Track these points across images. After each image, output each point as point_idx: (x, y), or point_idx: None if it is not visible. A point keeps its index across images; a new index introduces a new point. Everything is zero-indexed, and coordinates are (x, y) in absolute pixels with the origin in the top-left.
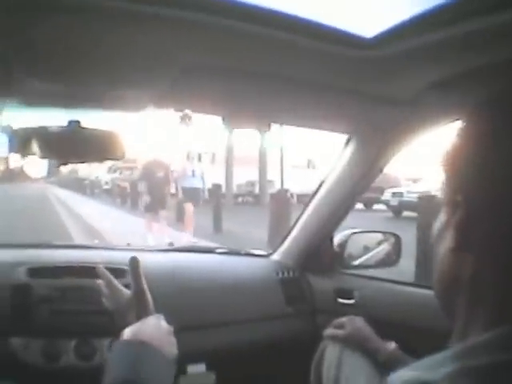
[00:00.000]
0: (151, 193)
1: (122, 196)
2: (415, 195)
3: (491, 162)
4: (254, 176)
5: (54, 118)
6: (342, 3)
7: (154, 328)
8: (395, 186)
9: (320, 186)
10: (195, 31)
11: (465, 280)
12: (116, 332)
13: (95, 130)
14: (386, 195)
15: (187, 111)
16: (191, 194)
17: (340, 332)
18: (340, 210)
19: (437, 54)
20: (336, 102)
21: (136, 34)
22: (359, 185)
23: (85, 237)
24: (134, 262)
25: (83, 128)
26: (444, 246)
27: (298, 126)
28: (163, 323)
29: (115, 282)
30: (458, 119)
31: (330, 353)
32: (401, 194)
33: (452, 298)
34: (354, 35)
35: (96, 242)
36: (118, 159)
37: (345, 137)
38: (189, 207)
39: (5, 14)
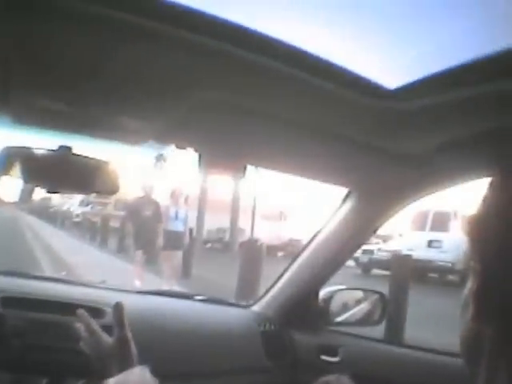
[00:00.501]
0: (138, 234)
1: (92, 231)
2: (386, 253)
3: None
4: (225, 223)
5: (46, 140)
6: (367, 52)
7: (139, 380)
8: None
9: (312, 239)
10: (212, 64)
11: (484, 347)
12: (91, 374)
13: (88, 158)
14: (356, 252)
15: (162, 152)
16: (174, 239)
17: None
18: (330, 266)
19: (455, 114)
20: (342, 152)
21: (147, 60)
22: (353, 242)
23: (54, 268)
24: (118, 307)
25: (75, 155)
26: (467, 313)
27: (294, 174)
28: (148, 376)
29: (95, 325)
30: (467, 182)
31: None
32: (371, 252)
33: (475, 361)
34: (377, 84)
35: (63, 273)
36: (110, 194)
37: (319, 190)
38: (171, 253)
39: (6, 25)
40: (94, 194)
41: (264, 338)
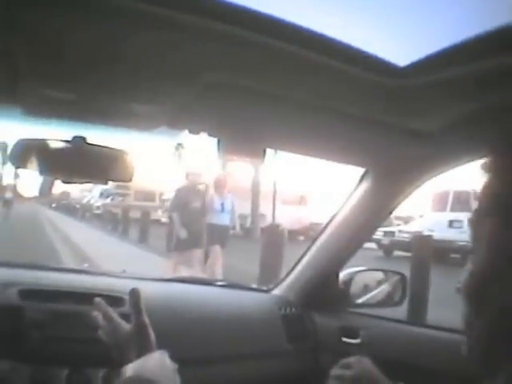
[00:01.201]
0: (186, 227)
1: (113, 222)
2: (407, 235)
3: None
4: (246, 209)
5: (59, 131)
6: (375, 29)
7: (158, 365)
8: (386, 225)
9: (330, 221)
10: (222, 46)
11: None
12: (112, 363)
13: (102, 147)
14: (378, 234)
15: (181, 142)
16: (219, 234)
17: (347, 373)
18: (349, 247)
19: (468, 88)
20: (357, 132)
21: (159, 43)
22: (371, 223)
23: (75, 260)
24: (135, 293)
25: (89, 144)
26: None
27: (312, 156)
28: (167, 360)
29: (113, 313)
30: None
31: None
32: (392, 234)
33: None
34: (385, 61)
35: (86, 265)
36: (125, 181)
37: (339, 174)
38: (216, 250)
39: (13, 17)
40: (114, 186)
41: (285, 322)
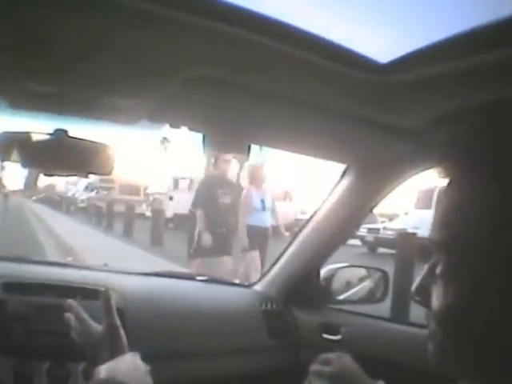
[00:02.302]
0: (212, 228)
1: (98, 216)
2: (392, 232)
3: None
4: None
5: (42, 124)
6: (356, 25)
7: (130, 367)
8: (371, 222)
9: (311, 217)
10: (205, 41)
11: None
12: (90, 359)
13: (83, 140)
14: (362, 231)
15: (166, 136)
16: (259, 238)
17: (327, 369)
18: (331, 243)
19: (449, 86)
20: (338, 128)
21: (142, 38)
22: (353, 219)
23: (59, 253)
24: (106, 295)
25: (71, 138)
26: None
27: (293, 151)
28: (139, 362)
29: (85, 315)
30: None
31: None
32: (377, 231)
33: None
34: (366, 58)
35: (69, 259)
36: (105, 174)
37: (325, 169)
38: (254, 257)
39: (1, 10)
40: (98, 179)
41: (266, 317)
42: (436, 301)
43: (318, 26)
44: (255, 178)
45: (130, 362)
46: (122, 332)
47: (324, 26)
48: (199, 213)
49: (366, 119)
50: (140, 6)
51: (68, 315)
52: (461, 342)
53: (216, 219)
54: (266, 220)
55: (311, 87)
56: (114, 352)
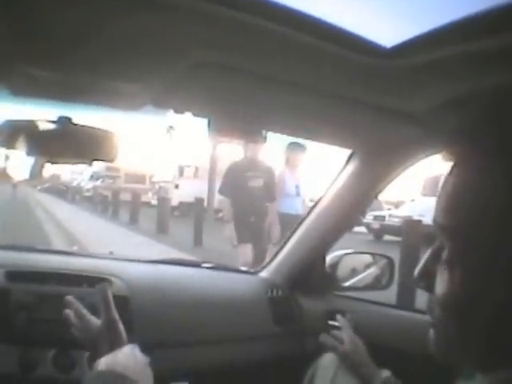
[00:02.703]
0: (241, 215)
1: (103, 204)
2: (397, 219)
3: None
4: None
5: (45, 111)
6: (361, 9)
7: (129, 359)
8: (377, 209)
9: (316, 203)
10: (210, 25)
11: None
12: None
13: (87, 127)
14: (368, 218)
15: (172, 124)
16: (289, 225)
17: (340, 346)
18: (336, 229)
19: (456, 70)
20: (343, 113)
21: (145, 22)
22: (358, 205)
23: (65, 242)
24: (103, 290)
25: (75, 125)
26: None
27: (299, 136)
28: (138, 354)
29: (84, 310)
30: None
31: (322, 375)
32: (383, 218)
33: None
34: (372, 42)
35: (75, 248)
36: (109, 161)
37: (331, 155)
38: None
39: None
40: (104, 168)
41: (271, 304)
42: (440, 287)
43: (324, 10)
44: (290, 162)
45: (129, 354)
46: (120, 325)
47: (329, 11)
48: (225, 200)
49: (372, 104)
50: None
51: (67, 311)
52: (465, 330)
53: (244, 205)
54: (298, 207)
55: (316, 72)
56: (114, 345)
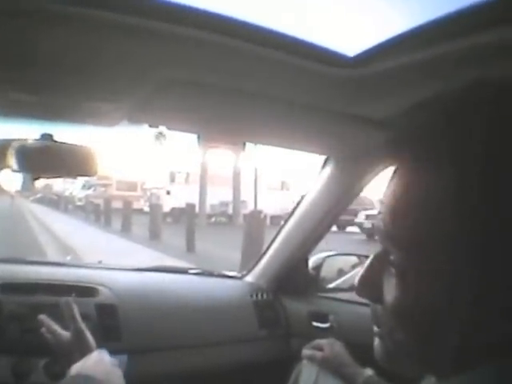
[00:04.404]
0: None
1: (96, 213)
2: None
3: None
4: (227, 196)
5: (26, 130)
6: (322, 21)
7: (97, 362)
8: (369, 209)
9: (296, 207)
10: (174, 45)
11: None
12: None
13: (69, 144)
14: (360, 217)
15: (162, 130)
16: None
17: (318, 354)
18: (316, 232)
19: (419, 75)
20: (314, 122)
21: (114, 45)
22: (336, 207)
23: (58, 252)
24: (67, 305)
25: (56, 142)
26: None
27: (275, 145)
28: (106, 357)
29: (55, 326)
30: None
31: (305, 377)
32: (375, 217)
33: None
34: (336, 53)
35: (68, 258)
36: (90, 176)
37: (321, 158)
38: None
39: None
40: (95, 177)
41: (256, 308)
42: (389, 294)
43: (286, 22)
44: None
45: (97, 359)
46: (87, 334)
47: (293, 23)
48: None
49: (341, 112)
50: (107, 16)
51: (43, 329)
52: (419, 337)
53: None
54: None
55: (284, 85)
56: (84, 352)
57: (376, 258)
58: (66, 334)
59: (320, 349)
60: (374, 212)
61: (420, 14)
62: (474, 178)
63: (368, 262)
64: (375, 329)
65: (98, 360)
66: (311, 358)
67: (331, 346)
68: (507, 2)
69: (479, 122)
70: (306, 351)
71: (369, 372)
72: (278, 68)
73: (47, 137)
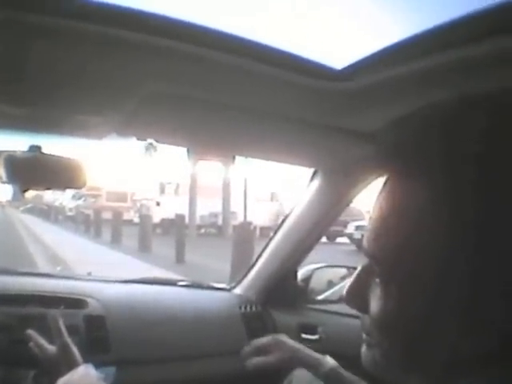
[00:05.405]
0: None
1: (86, 224)
2: None
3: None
4: (217, 207)
5: (14, 142)
6: (309, 34)
7: (82, 376)
8: (359, 219)
9: (285, 219)
10: (160, 59)
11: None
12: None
13: (57, 157)
14: (350, 228)
15: (152, 141)
16: None
17: (270, 359)
18: (305, 243)
19: (408, 87)
20: (302, 135)
21: (101, 58)
22: (325, 219)
23: (49, 263)
24: (53, 319)
25: (45, 154)
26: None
27: (263, 158)
28: (92, 371)
29: (41, 340)
30: None
31: None
32: (364, 228)
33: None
34: (323, 66)
35: (58, 269)
36: (79, 188)
37: (310, 170)
38: None
39: None
40: (85, 188)
41: (245, 320)
42: (374, 305)
43: (272, 36)
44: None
45: (82, 372)
46: (73, 348)
47: (276, 37)
48: None
49: (330, 125)
50: (96, 30)
51: (31, 344)
52: (405, 348)
53: None
54: None
55: (272, 98)
56: (70, 366)
57: (363, 269)
58: (52, 349)
59: (266, 352)
60: (364, 223)
61: (410, 25)
62: (466, 189)
63: (355, 273)
64: (364, 336)
65: (83, 374)
66: (264, 365)
67: (278, 344)
68: (502, 12)
69: (470, 132)
70: (253, 361)
71: (330, 362)
72: (265, 81)
73: (35, 149)
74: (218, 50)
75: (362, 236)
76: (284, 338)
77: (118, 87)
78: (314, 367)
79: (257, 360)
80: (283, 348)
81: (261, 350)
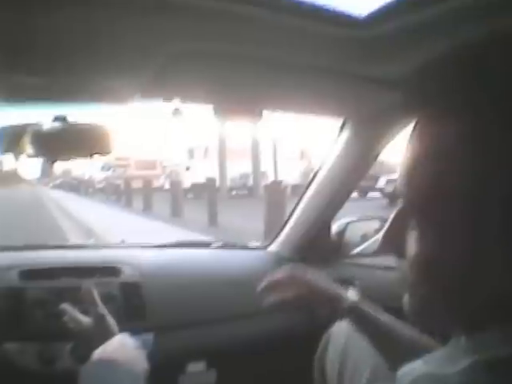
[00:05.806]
0: None
1: (117, 194)
2: None
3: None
4: (247, 168)
5: (39, 114)
6: None
7: (118, 346)
8: (390, 173)
9: (316, 174)
10: (182, 16)
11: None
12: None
13: (82, 124)
14: (381, 182)
15: (178, 106)
16: None
17: (286, 295)
18: (337, 198)
19: (433, 31)
20: (329, 84)
21: (121, 21)
22: (355, 172)
23: (80, 237)
24: (87, 291)
25: (70, 123)
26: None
27: (291, 111)
28: (128, 340)
29: (76, 313)
30: None
31: (335, 344)
32: (395, 181)
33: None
34: (347, 14)
35: (91, 241)
36: (107, 153)
37: (338, 126)
38: None
39: None
40: (113, 158)
41: None
42: (411, 249)
43: None
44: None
45: (118, 342)
46: (109, 318)
47: None
48: None
49: (355, 73)
50: None
51: (66, 318)
52: (441, 291)
53: None
54: None
55: (298, 50)
56: (106, 337)
57: (398, 213)
58: (87, 321)
59: (283, 289)
60: (395, 176)
61: None
62: (495, 128)
63: (391, 217)
64: (404, 285)
65: (119, 344)
66: (283, 304)
67: (295, 278)
68: None
69: (500, 69)
70: (270, 298)
71: (352, 297)
72: (289, 32)
73: (61, 119)
74: (241, 3)
75: (394, 189)
76: (301, 270)
77: (141, 47)
78: (333, 303)
79: (273, 298)
80: (299, 283)
81: (277, 286)
